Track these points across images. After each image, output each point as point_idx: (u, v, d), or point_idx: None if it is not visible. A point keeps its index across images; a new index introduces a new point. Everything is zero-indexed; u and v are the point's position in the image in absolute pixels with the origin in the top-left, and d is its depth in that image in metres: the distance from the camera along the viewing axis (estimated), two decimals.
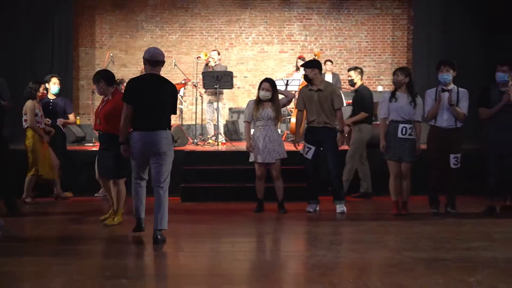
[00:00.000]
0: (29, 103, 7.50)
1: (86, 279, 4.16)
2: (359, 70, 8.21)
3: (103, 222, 6.24)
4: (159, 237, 5.29)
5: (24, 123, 7.58)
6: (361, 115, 7.83)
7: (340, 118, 6.98)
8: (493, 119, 6.75)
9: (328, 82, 7.53)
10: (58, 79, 8.24)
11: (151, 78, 5.54)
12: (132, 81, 5.77)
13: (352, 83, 8.20)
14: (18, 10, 11.56)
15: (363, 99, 7.92)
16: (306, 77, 7.05)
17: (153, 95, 5.45)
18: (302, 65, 7.33)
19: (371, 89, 12.85)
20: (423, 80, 11.38)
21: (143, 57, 5.62)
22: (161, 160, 5.37)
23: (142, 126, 5.38)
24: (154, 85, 5.51)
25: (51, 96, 8.18)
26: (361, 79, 8.18)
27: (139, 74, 11.15)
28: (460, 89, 6.80)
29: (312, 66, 7.03)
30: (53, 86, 8.11)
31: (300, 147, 7.14)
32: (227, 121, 12.11)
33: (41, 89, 7.64)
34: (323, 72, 11.68)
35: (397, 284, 4.04)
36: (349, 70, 8.38)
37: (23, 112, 7.60)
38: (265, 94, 6.84)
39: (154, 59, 5.57)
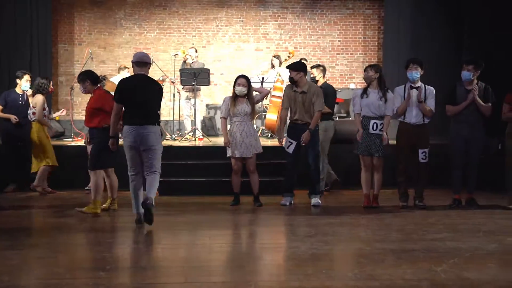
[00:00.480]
0: (40, 98, 7.71)
1: (65, 272, 4.11)
2: (321, 67, 8.08)
3: (104, 209, 6.47)
4: (148, 201, 5.55)
5: (32, 116, 7.75)
6: (325, 109, 7.61)
7: (316, 119, 6.97)
8: (458, 116, 6.85)
9: (312, 83, 7.44)
10: (30, 76, 8.18)
11: (139, 78, 5.95)
12: (122, 82, 6.12)
13: (314, 80, 8.06)
14: None
15: (326, 96, 7.68)
16: (291, 79, 6.99)
17: (142, 94, 5.85)
18: (288, 67, 7.17)
19: (343, 86, 13.04)
20: (393, 77, 11.45)
21: (132, 61, 6.05)
22: (151, 153, 5.82)
23: (133, 121, 5.78)
24: (143, 84, 5.93)
25: (20, 91, 8.11)
26: (324, 76, 8.06)
27: (117, 70, 11.11)
28: (427, 86, 6.88)
29: (297, 69, 6.99)
30: (25, 82, 8.04)
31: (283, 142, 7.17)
32: (204, 117, 12.07)
33: (50, 85, 8.04)
34: None
35: (367, 274, 4.08)
36: (312, 67, 8.25)
37: (31, 105, 7.79)
38: (242, 90, 6.85)
39: (140, 61, 5.96)
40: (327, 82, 8.24)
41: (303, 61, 11.57)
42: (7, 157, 8.02)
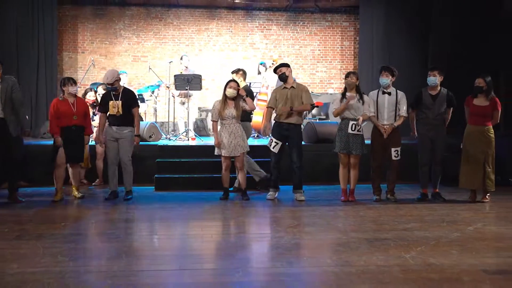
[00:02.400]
0: None
1: (69, 260, 4.10)
2: (241, 72, 7.83)
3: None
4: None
5: None
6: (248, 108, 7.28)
7: (304, 107, 6.91)
8: (424, 119, 6.92)
9: (301, 84, 7.42)
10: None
11: None
12: None
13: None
14: (8, 18, 11.29)
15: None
16: (283, 75, 6.92)
17: None
18: (278, 65, 7.05)
19: (323, 91, 13.10)
20: (368, 83, 11.54)
21: (116, 79, 6.87)
22: None
23: None
24: None
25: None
26: (244, 79, 7.81)
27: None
28: (398, 91, 6.93)
29: (287, 65, 7.02)
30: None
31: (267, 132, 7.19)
32: (196, 118, 12.04)
33: (87, 96, 8.22)
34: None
35: (344, 260, 4.11)
36: (232, 72, 7.99)
37: None
38: (233, 91, 6.84)
39: None
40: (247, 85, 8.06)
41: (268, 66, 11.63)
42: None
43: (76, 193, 7.00)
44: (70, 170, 7.01)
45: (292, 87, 6.93)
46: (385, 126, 6.76)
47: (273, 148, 6.93)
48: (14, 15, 11.34)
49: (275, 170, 7.05)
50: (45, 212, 6.12)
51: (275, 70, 7.10)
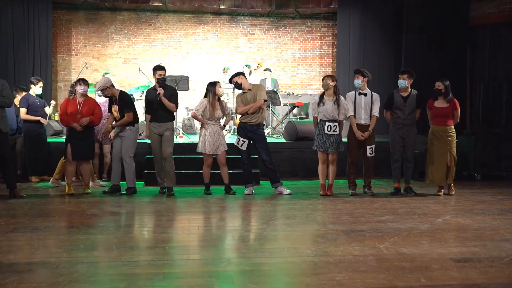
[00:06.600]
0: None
1: (63, 252, 4.04)
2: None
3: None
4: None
5: None
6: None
7: (257, 104, 6.86)
8: (396, 119, 6.97)
9: (256, 84, 7.49)
10: (43, 83, 8.20)
11: None
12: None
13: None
14: (5, 22, 11.16)
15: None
16: (237, 84, 6.97)
17: None
18: (229, 81, 7.09)
19: (303, 92, 13.12)
20: (345, 84, 11.60)
21: (104, 88, 6.75)
22: None
23: None
24: None
25: (33, 94, 8.10)
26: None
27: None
28: (373, 93, 6.97)
29: (236, 75, 7.01)
30: (39, 88, 8.08)
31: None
32: (183, 118, 11.98)
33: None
34: (264, 77, 11.77)
35: (322, 251, 4.11)
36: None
37: None
38: (222, 90, 6.95)
39: None
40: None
41: (267, 71, 11.68)
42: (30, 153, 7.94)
43: (88, 188, 7.00)
44: (81, 167, 7.03)
45: (249, 89, 6.94)
46: (362, 134, 6.78)
47: (241, 146, 6.94)
48: (10, 19, 11.21)
49: (247, 166, 7.04)
50: (40, 206, 6.03)
51: (230, 82, 7.09)
